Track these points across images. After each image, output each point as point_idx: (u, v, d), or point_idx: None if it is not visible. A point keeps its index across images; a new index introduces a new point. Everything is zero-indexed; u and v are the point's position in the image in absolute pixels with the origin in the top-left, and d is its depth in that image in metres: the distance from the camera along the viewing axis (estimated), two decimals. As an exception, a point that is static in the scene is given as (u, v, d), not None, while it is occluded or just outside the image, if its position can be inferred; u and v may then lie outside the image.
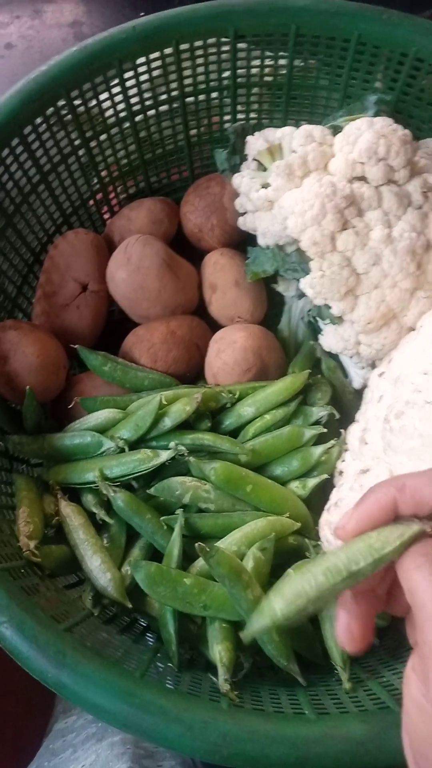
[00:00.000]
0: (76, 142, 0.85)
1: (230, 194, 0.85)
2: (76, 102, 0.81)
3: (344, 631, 0.42)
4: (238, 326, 0.83)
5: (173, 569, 0.64)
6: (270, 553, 0.65)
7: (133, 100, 0.85)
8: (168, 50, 0.81)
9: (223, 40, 0.81)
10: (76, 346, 0.80)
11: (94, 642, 0.56)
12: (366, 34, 0.78)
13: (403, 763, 0.40)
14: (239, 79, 0.86)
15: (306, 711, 0.53)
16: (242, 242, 0.88)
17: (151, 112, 0.87)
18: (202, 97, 0.88)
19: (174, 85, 0.85)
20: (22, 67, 1.23)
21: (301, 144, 0.73)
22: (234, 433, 0.76)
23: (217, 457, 0.72)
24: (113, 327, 0.89)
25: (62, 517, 0.71)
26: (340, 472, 0.70)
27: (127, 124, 0.87)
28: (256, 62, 0.85)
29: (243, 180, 0.79)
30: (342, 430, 0.73)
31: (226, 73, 0.85)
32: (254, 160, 0.80)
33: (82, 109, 0.82)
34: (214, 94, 0.88)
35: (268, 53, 0.84)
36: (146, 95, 0.85)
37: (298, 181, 0.73)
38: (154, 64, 0.82)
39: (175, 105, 0.88)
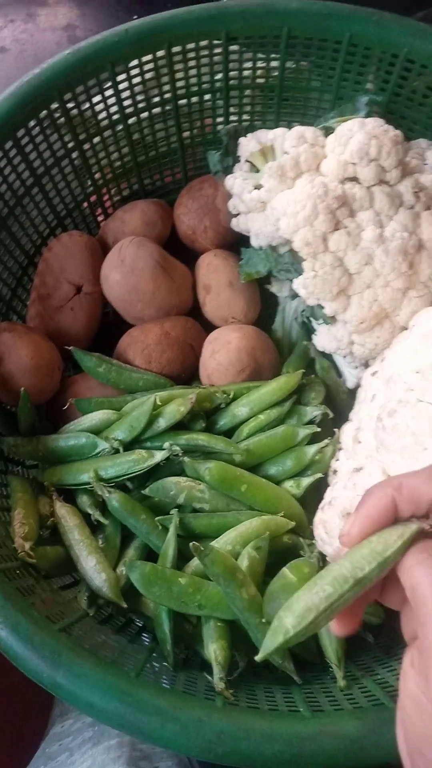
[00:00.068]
0: (70, 145, 0.85)
1: (223, 196, 0.86)
2: (69, 105, 0.81)
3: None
4: (232, 327, 0.83)
5: (168, 569, 0.64)
6: (264, 552, 0.65)
7: (126, 103, 0.85)
8: (160, 53, 0.81)
9: (215, 42, 0.82)
10: (70, 348, 0.80)
11: (89, 642, 0.57)
12: (357, 36, 0.79)
13: (398, 760, 0.41)
14: (231, 81, 0.86)
15: (301, 709, 0.54)
16: (236, 243, 0.88)
17: (144, 114, 0.88)
18: (194, 99, 0.88)
19: (167, 87, 0.86)
20: (16, 70, 1.23)
21: (293, 145, 0.74)
22: (228, 433, 0.77)
23: (212, 457, 0.72)
24: (108, 328, 0.89)
25: (57, 518, 0.71)
26: (335, 471, 0.70)
27: (120, 127, 0.87)
28: (249, 64, 0.85)
29: (235, 181, 0.79)
30: (336, 430, 0.73)
31: (219, 76, 0.86)
32: (247, 161, 0.81)
33: (75, 112, 0.82)
34: (206, 97, 0.88)
35: (260, 55, 0.84)
36: (139, 98, 0.86)
37: (290, 182, 0.73)
38: (146, 67, 0.83)
39: (167, 107, 0.88)
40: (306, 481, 0.71)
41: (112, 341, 0.85)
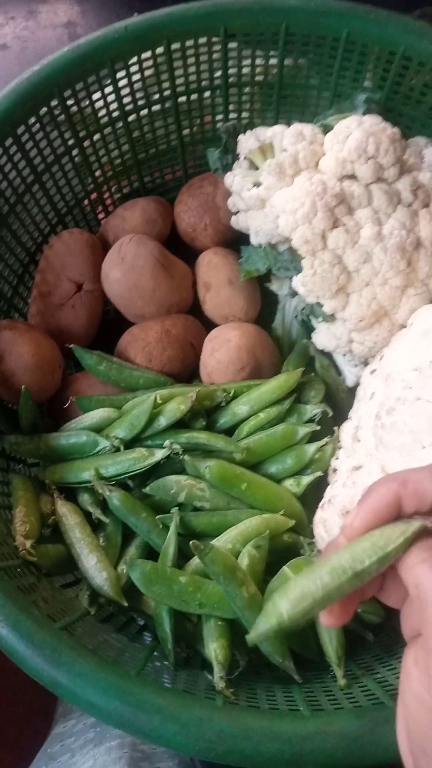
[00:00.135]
0: (70, 142, 0.85)
1: (223, 193, 0.86)
2: (69, 102, 0.81)
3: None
4: (232, 325, 0.83)
5: (168, 568, 0.64)
6: (265, 551, 0.65)
7: (125, 100, 0.85)
8: (160, 50, 0.81)
9: (214, 39, 0.81)
10: (71, 346, 0.80)
11: (90, 641, 0.57)
12: (355, 33, 0.79)
13: (397, 759, 0.41)
14: (231, 79, 0.86)
15: (301, 708, 0.54)
16: (236, 241, 0.88)
17: (144, 111, 0.88)
18: (194, 96, 0.88)
19: (166, 84, 0.85)
20: (17, 68, 1.23)
21: (292, 143, 0.74)
22: (229, 431, 0.77)
23: (212, 455, 0.72)
24: (109, 326, 0.89)
25: (58, 517, 0.71)
26: (334, 470, 0.70)
27: (120, 124, 0.87)
28: (247, 62, 0.85)
29: (235, 179, 0.79)
30: (336, 428, 0.73)
31: (218, 73, 0.85)
32: (246, 159, 0.80)
33: (75, 109, 0.82)
34: (206, 94, 0.88)
35: (258, 52, 0.84)
36: (139, 95, 0.85)
37: (289, 180, 0.73)
38: (146, 64, 0.82)
39: (167, 105, 0.88)
40: (306, 479, 0.71)
41: (113, 339, 0.85)
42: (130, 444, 0.73)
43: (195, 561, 0.66)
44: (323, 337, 0.77)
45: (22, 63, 1.23)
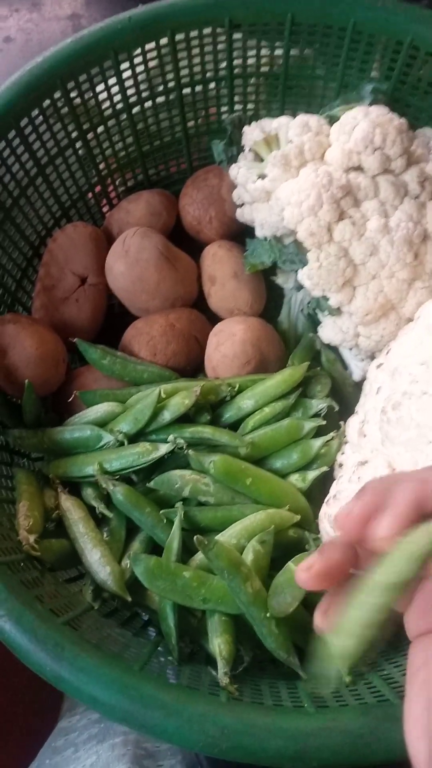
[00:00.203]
0: (74, 135, 0.84)
1: (228, 186, 0.85)
2: (73, 94, 0.80)
3: (321, 611, 0.42)
4: (237, 319, 0.82)
5: (173, 562, 0.64)
6: (269, 546, 0.65)
7: (129, 92, 0.84)
8: (164, 41, 0.81)
9: (219, 30, 0.81)
10: (75, 340, 0.80)
11: (93, 635, 0.56)
12: (362, 23, 0.78)
13: (402, 757, 0.40)
14: (236, 70, 0.85)
15: (305, 704, 0.53)
16: (241, 234, 0.87)
17: (148, 103, 0.87)
18: (198, 88, 0.87)
19: (170, 76, 0.85)
20: (21, 60, 1.21)
21: (298, 134, 0.73)
22: (234, 426, 0.76)
23: (217, 450, 0.71)
24: (113, 320, 0.89)
25: (62, 511, 0.71)
26: (340, 465, 0.70)
27: (124, 116, 0.87)
28: (252, 52, 0.84)
29: (240, 171, 0.79)
30: (342, 423, 0.72)
31: (223, 64, 0.85)
32: (251, 150, 0.80)
33: (78, 101, 0.82)
34: (211, 85, 0.87)
35: (264, 43, 0.83)
36: (143, 86, 0.85)
37: (294, 172, 0.72)
38: (150, 55, 0.82)
39: (171, 96, 0.87)
40: (311, 474, 0.71)
41: (117, 333, 0.85)
42: (134, 438, 0.72)
43: (199, 556, 0.66)
44: (329, 331, 0.76)
45: (27, 56, 1.22)
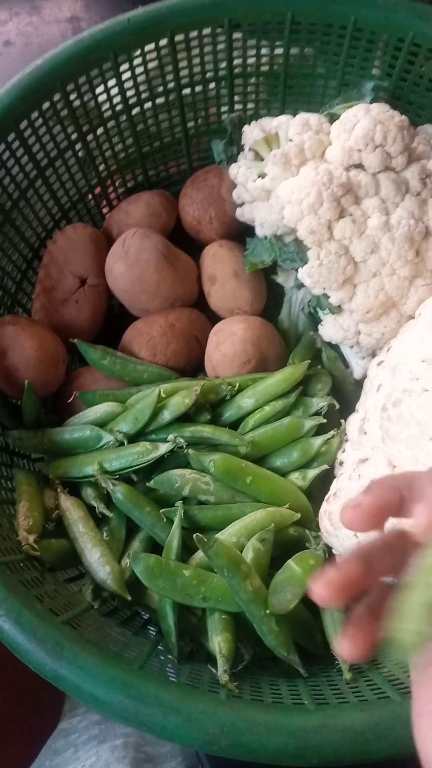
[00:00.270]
0: (73, 136, 0.84)
1: (228, 186, 0.85)
2: (72, 96, 0.80)
3: (347, 641, 0.41)
4: (237, 318, 0.82)
5: (172, 561, 0.64)
6: (269, 544, 0.65)
7: (129, 93, 0.84)
8: (163, 42, 0.81)
9: (219, 30, 0.81)
10: (75, 341, 0.80)
11: (93, 634, 0.56)
12: (362, 20, 0.77)
13: (403, 754, 0.40)
14: (235, 70, 0.85)
15: (306, 701, 0.53)
16: (241, 233, 0.87)
17: (148, 104, 0.87)
18: (198, 88, 0.87)
19: (170, 77, 0.85)
20: (21, 64, 1.20)
21: (298, 132, 0.73)
22: (234, 425, 0.76)
23: (217, 449, 0.71)
24: (113, 321, 0.89)
25: (62, 511, 0.70)
26: (341, 463, 0.70)
27: (123, 117, 0.87)
28: (252, 52, 0.84)
29: (239, 170, 0.78)
30: (342, 421, 0.72)
31: (222, 64, 0.85)
32: (251, 150, 0.80)
33: (78, 102, 0.82)
34: (210, 86, 0.87)
35: (264, 42, 0.83)
36: (142, 87, 0.85)
37: (294, 170, 0.72)
38: (149, 56, 0.82)
39: (171, 97, 0.87)
40: (312, 472, 0.71)
41: (117, 334, 0.85)
42: (134, 438, 0.72)
43: (199, 555, 0.66)
44: (330, 329, 0.76)
45: (26, 59, 1.21)
